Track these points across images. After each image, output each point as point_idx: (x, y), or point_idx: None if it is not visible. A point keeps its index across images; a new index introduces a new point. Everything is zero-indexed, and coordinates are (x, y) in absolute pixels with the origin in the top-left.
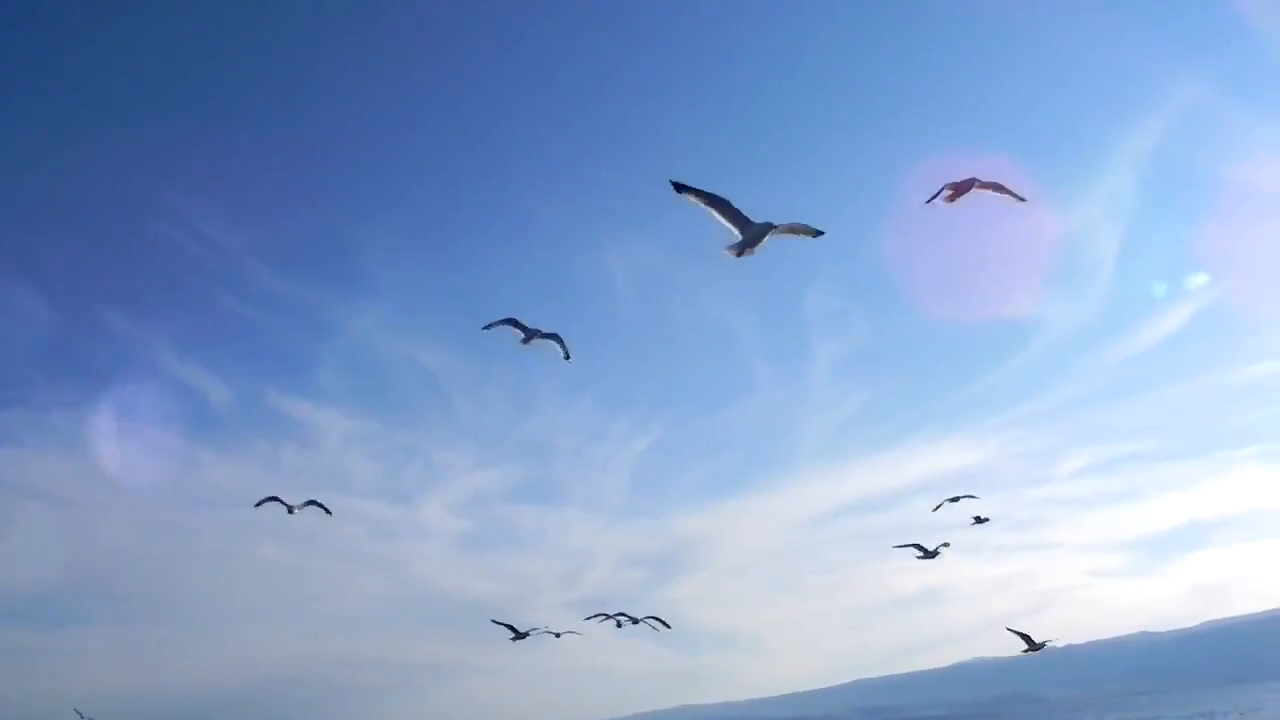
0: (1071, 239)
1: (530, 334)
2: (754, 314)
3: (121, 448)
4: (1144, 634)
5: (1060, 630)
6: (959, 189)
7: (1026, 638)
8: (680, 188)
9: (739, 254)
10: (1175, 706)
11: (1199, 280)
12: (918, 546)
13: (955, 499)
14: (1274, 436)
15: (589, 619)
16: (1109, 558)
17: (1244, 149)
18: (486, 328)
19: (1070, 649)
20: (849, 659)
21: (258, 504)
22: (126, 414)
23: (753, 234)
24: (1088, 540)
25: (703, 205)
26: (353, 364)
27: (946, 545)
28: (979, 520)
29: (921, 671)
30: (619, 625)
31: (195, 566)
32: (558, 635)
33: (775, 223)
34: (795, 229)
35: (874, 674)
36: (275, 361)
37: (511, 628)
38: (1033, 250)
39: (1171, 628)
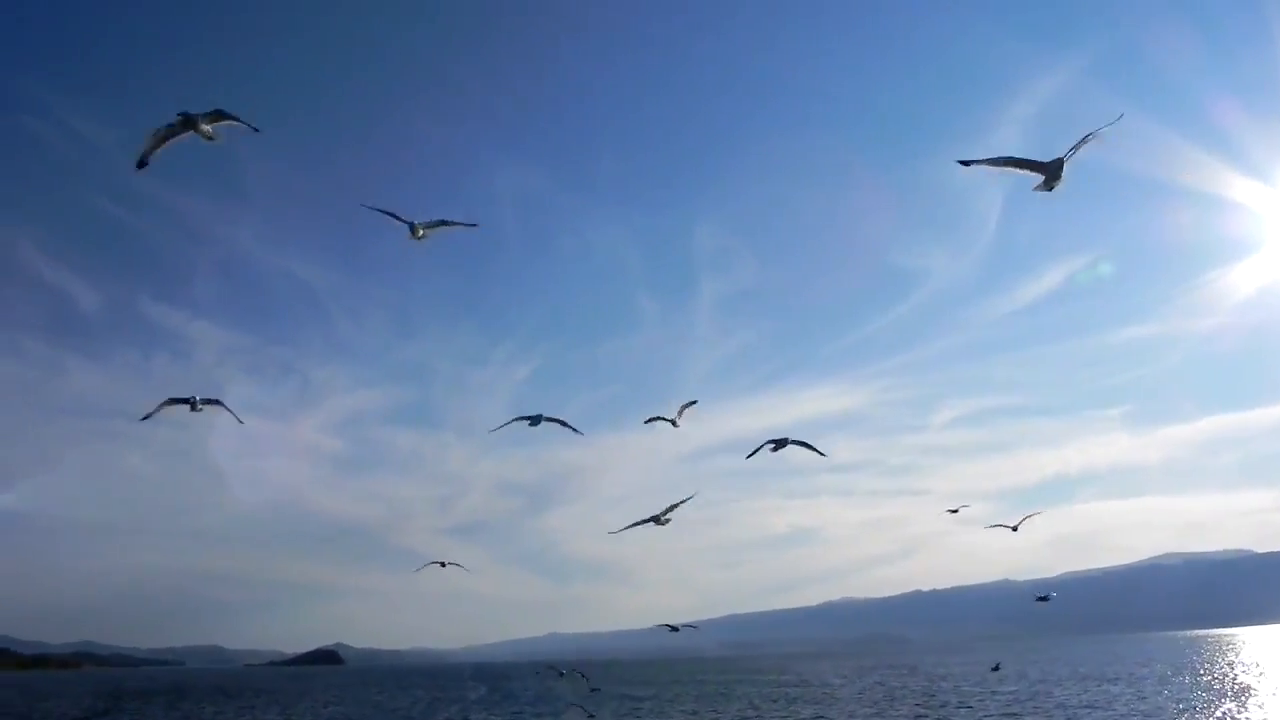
0: (958, 194)
1: (535, 420)
2: (641, 248)
3: None
4: (1005, 582)
5: (926, 575)
6: None
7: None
8: (965, 163)
9: (1048, 189)
10: (1028, 653)
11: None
12: (772, 442)
13: (778, 445)
14: (1140, 398)
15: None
16: (977, 506)
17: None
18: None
19: (935, 593)
20: (719, 594)
21: (149, 416)
22: None
23: (1050, 170)
24: (956, 488)
25: (992, 168)
26: (229, 275)
27: (807, 446)
28: (777, 445)
29: (790, 609)
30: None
31: (59, 475)
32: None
33: (1064, 155)
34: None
35: (743, 610)
36: (148, 268)
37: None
38: (920, 203)
39: (1031, 577)
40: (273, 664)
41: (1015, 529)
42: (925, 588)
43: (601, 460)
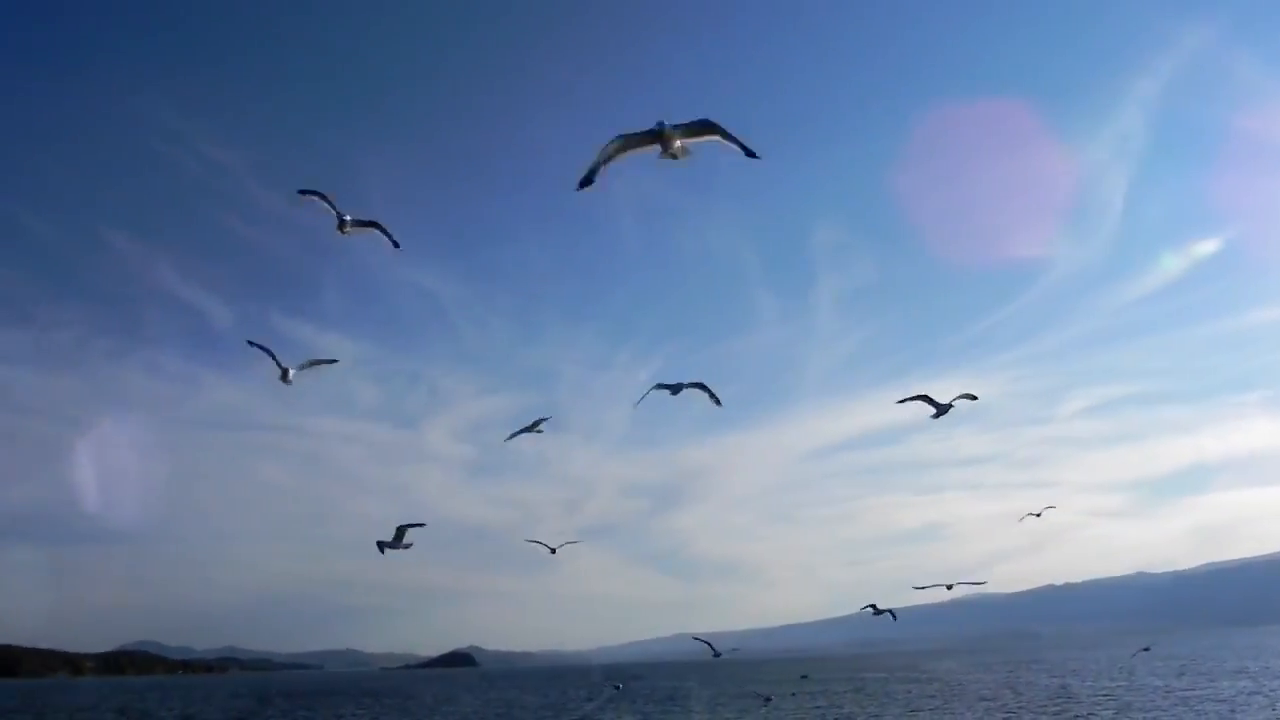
0: (1080, 180)
1: (675, 389)
2: (759, 248)
3: (124, 368)
4: (1141, 574)
5: (1058, 569)
6: None
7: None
8: (583, 183)
9: (674, 158)
10: (1159, 647)
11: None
12: (926, 399)
13: (940, 411)
14: (1278, 382)
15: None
16: (1109, 498)
17: (1251, 97)
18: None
19: (1068, 587)
20: (847, 592)
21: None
22: (129, 334)
23: (652, 137)
24: (1088, 480)
25: (621, 160)
26: (356, 287)
27: (973, 398)
28: (939, 411)
29: (919, 606)
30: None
31: (196, 487)
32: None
33: (666, 122)
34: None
35: None
36: (278, 283)
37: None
38: (1041, 191)
39: (1169, 569)
40: (408, 667)
41: (972, 582)
42: (1058, 582)
43: (726, 460)
